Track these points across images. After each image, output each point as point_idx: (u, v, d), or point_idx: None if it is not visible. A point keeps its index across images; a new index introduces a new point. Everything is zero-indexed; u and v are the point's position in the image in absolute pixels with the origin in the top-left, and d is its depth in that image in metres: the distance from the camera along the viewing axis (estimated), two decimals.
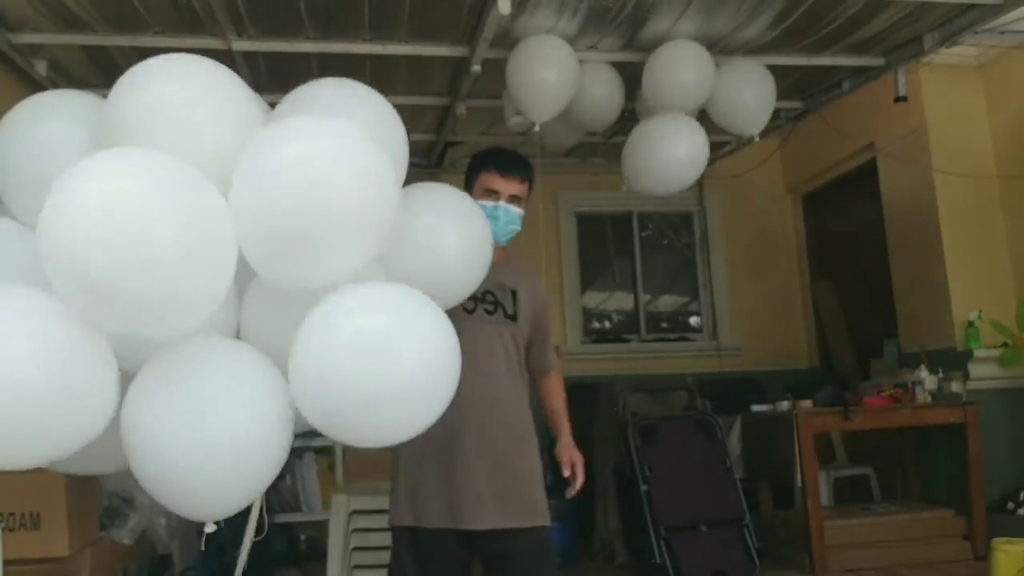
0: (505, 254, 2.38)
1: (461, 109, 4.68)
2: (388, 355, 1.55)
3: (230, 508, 1.60)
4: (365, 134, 1.63)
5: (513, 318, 2.35)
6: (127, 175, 1.41)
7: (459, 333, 2.04)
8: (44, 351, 1.39)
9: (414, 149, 6.53)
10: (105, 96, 1.88)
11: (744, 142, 5.46)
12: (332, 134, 1.60)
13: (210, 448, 1.49)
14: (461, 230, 1.97)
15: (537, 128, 4.15)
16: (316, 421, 1.59)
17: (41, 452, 1.44)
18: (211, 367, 1.56)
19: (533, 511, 2.26)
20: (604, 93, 4.26)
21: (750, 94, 4.28)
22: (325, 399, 1.55)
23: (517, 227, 2.35)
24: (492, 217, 2.26)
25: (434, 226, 1.92)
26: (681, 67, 4.10)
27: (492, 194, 2.32)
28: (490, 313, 2.31)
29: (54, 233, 1.36)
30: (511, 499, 2.21)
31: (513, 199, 2.33)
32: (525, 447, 2.33)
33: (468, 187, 2.38)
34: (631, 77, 4.27)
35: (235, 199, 1.54)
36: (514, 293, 2.36)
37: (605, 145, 5.53)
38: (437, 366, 1.61)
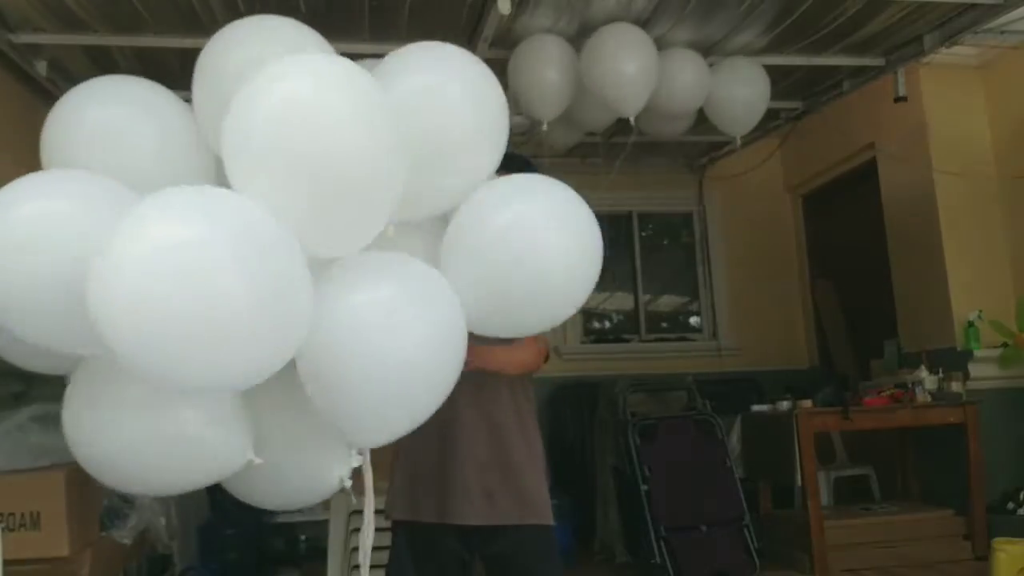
0: None
1: None
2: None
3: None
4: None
5: None
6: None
7: None
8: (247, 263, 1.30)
9: None
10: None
11: (744, 142, 5.46)
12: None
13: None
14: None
15: (545, 127, 4.15)
16: None
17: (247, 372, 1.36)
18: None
19: (528, 508, 2.22)
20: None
21: (743, 94, 4.29)
22: None
23: None
24: None
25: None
26: (678, 74, 4.10)
27: None
28: None
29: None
30: (503, 495, 2.18)
31: None
32: (521, 443, 2.28)
33: None
34: None
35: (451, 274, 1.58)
36: None
37: (605, 145, 5.53)
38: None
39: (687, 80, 4.16)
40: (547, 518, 2.26)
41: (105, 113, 1.67)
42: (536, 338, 2.30)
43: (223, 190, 1.40)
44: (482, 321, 1.67)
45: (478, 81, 1.75)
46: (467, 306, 1.61)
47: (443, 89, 1.69)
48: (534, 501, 2.24)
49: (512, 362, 2.22)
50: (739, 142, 4.56)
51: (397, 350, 1.48)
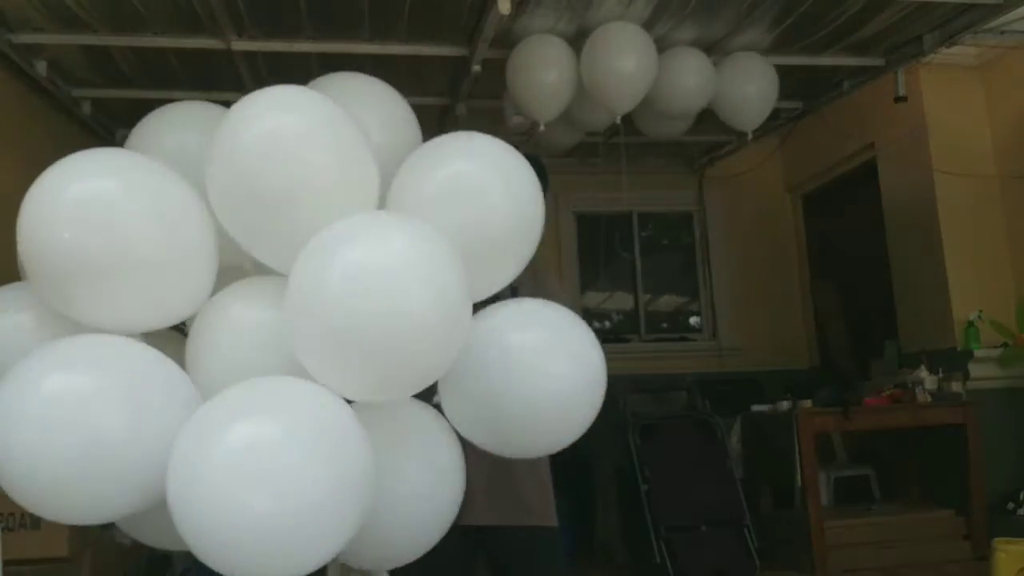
0: None
1: (461, 109, 4.68)
2: None
3: None
4: None
5: None
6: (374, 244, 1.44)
7: None
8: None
9: None
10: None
11: (744, 142, 5.46)
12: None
13: None
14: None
15: (542, 128, 4.15)
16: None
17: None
18: None
19: (529, 510, 2.22)
20: None
21: (751, 89, 4.29)
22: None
23: None
24: None
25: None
26: (683, 74, 4.10)
27: None
28: None
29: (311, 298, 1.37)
30: (504, 497, 2.17)
31: None
32: None
33: None
34: None
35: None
36: (514, 290, 2.35)
37: (605, 145, 5.53)
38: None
39: (690, 80, 4.15)
40: (550, 520, 2.25)
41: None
42: None
43: (295, 382, 1.41)
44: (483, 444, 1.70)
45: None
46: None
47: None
48: (536, 502, 2.25)
49: None
50: (751, 136, 4.55)
51: None
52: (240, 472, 1.27)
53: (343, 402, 1.41)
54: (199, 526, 1.28)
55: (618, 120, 4.19)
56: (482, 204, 1.59)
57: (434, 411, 1.65)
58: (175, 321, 1.64)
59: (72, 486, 1.37)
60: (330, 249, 1.38)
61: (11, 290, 1.64)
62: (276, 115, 1.53)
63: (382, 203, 1.63)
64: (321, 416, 1.37)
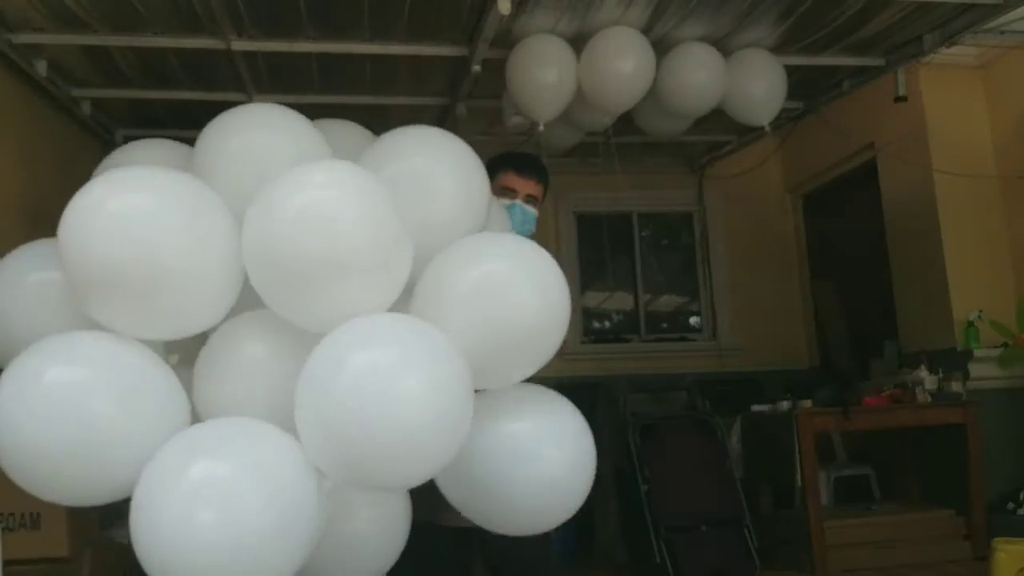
0: None
1: (461, 109, 4.68)
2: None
3: None
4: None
5: None
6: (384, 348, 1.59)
7: None
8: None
9: None
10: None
11: (746, 141, 5.47)
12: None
13: None
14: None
15: (542, 128, 4.15)
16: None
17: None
18: None
19: None
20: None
21: (761, 85, 4.28)
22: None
23: (532, 227, 2.38)
24: (506, 214, 2.29)
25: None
26: (694, 70, 4.10)
27: (509, 192, 2.35)
28: None
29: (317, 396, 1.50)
30: None
31: (529, 199, 2.37)
32: None
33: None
34: None
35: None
36: None
37: (605, 145, 5.53)
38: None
39: (701, 76, 4.12)
40: None
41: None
42: None
43: (254, 426, 1.57)
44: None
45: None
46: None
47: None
48: None
49: None
50: (768, 128, 4.53)
51: None
52: (196, 503, 1.43)
53: (293, 442, 1.52)
54: (158, 550, 1.45)
55: (609, 128, 4.18)
56: (509, 303, 1.71)
57: None
58: (197, 332, 1.73)
59: (66, 470, 1.53)
60: (342, 350, 1.52)
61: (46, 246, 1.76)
62: (316, 190, 1.61)
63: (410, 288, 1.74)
64: (269, 455, 1.51)
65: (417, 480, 1.61)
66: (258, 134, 1.87)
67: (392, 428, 1.46)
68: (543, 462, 1.75)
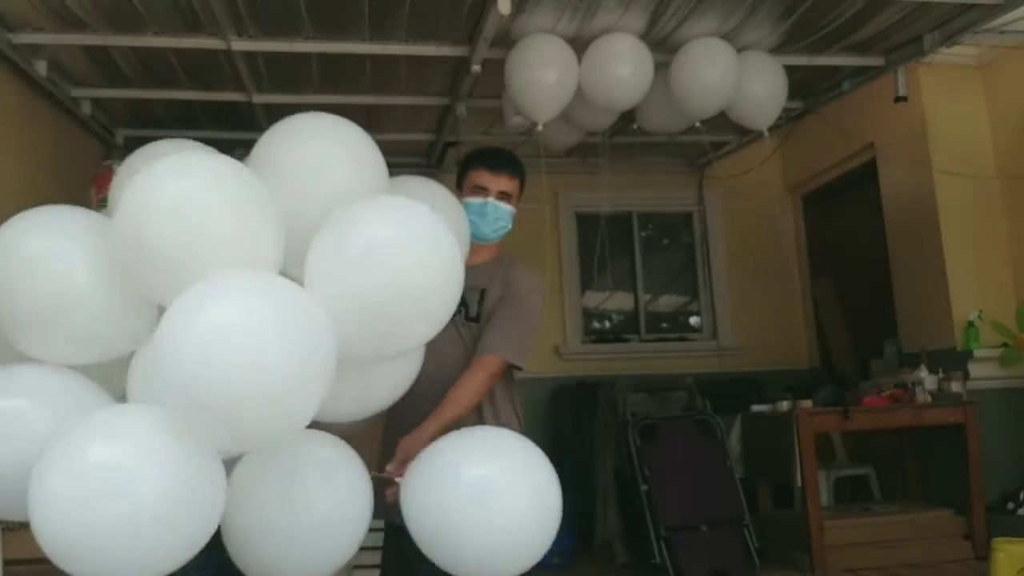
0: (495, 251, 2.34)
1: (461, 109, 4.68)
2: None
3: None
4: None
5: (475, 319, 2.25)
6: (237, 301, 1.50)
7: None
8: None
9: (414, 149, 6.63)
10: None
11: (746, 142, 5.46)
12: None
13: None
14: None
15: (540, 127, 4.15)
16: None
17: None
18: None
19: None
20: None
21: (761, 87, 4.29)
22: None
23: (507, 224, 2.30)
24: (480, 214, 2.23)
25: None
26: (707, 66, 4.10)
27: (480, 191, 2.28)
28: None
29: (172, 354, 1.46)
30: None
31: (503, 196, 2.29)
32: None
33: (459, 189, 2.34)
34: None
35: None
36: (482, 293, 2.28)
37: (605, 145, 5.53)
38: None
39: (715, 73, 4.12)
40: None
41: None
42: (480, 362, 2.21)
43: (130, 409, 1.61)
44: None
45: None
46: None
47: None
48: None
49: (459, 411, 2.14)
50: (767, 134, 4.54)
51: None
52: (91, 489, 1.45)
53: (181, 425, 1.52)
54: (55, 532, 1.47)
55: (606, 131, 4.17)
56: (396, 269, 1.66)
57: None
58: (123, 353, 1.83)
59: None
60: (190, 305, 1.50)
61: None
62: (174, 179, 1.61)
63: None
64: (151, 432, 1.52)
65: (274, 437, 1.58)
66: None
67: (243, 379, 1.45)
68: (508, 511, 1.72)
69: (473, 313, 2.26)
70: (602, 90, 4.05)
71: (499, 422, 2.26)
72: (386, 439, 2.22)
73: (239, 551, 1.72)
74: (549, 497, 1.77)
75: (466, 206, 2.23)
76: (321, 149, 1.85)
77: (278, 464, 1.68)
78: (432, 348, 2.05)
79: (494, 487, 1.73)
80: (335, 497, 1.72)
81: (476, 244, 2.21)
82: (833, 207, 6.29)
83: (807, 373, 6.23)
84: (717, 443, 4.72)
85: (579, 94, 4.13)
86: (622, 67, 4.01)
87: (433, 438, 1.92)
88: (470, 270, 2.03)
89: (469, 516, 1.69)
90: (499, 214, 2.27)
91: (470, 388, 2.16)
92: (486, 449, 1.81)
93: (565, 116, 4.32)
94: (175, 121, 4.86)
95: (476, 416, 2.23)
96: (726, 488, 4.58)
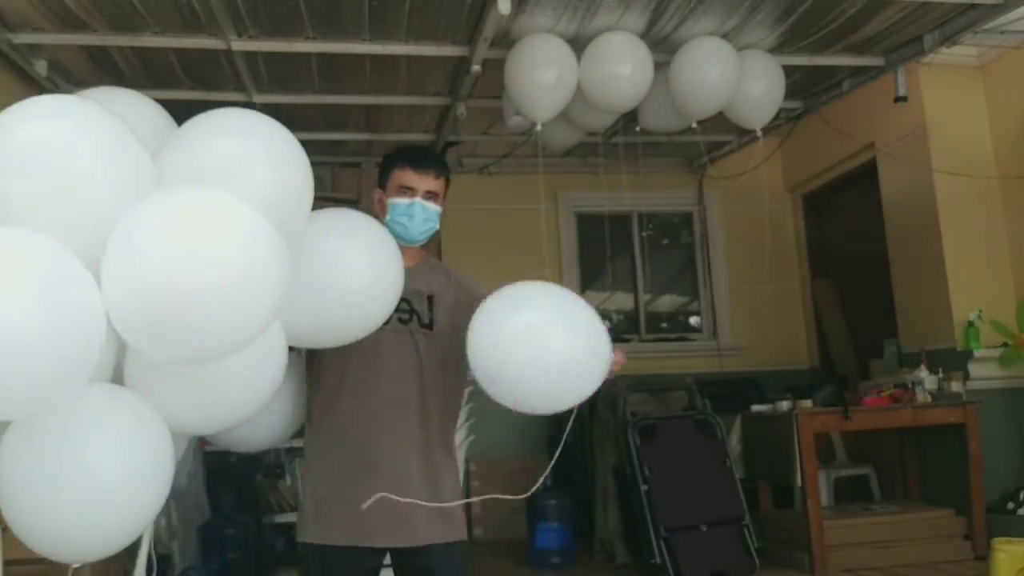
0: (422, 254, 2.29)
1: (461, 109, 4.68)
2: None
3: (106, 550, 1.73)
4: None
5: (429, 326, 2.18)
6: None
7: (372, 344, 2.02)
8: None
9: None
10: None
11: (744, 142, 5.47)
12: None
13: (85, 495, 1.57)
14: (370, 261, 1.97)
15: (539, 127, 4.15)
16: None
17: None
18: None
19: (451, 525, 2.15)
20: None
21: (759, 87, 4.29)
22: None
23: (435, 225, 2.21)
24: (407, 215, 2.15)
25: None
26: (706, 65, 4.10)
27: (407, 191, 2.17)
28: (404, 323, 2.15)
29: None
30: (428, 514, 2.07)
31: (430, 195, 2.19)
32: (447, 460, 2.20)
33: (380, 189, 2.24)
34: None
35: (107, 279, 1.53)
36: (431, 299, 2.22)
37: (605, 145, 5.53)
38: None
39: (713, 72, 4.13)
40: (464, 533, 2.20)
41: None
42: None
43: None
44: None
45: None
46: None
47: None
48: (456, 518, 2.18)
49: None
50: (760, 134, 4.54)
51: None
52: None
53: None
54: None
55: (605, 131, 4.15)
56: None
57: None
58: None
59: None
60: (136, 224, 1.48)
61: None
62: (38, 123, 1.55)
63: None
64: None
65: (231, 345, 1.55)
66: None
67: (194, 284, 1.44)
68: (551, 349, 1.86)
69: (426, 320, 2.19)
70: (601, 89, 4.06)
71: (445, 437, 2.23)
72: (333, 455, 2.11)
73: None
74: (591, 338, 1.89)
75: (392, 207, 2.16)
76: (239, 147, 1.74)
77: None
78: (380, 358, 2.04)
79: (539, 329, 1.88)
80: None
81: (402, 246, 2.11)
82: (833, 207, 6.29)
83: (807, 373, 6.23)
84: (717, 443, 4.72)
85: (580, 94, 4.14)
86: (621, 66, 4.01)
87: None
88: (410, 273, 2.06)
89: (519, 350, 1.83)
90: (427, 215, 2.18)
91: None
92: (533, 297, 1.95)
93: (567, 117, 4.32)
94: (175, 121, 4.85)
95: (438, 432, 2.19)
96: (726, 488, 4.58)
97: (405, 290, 2.06)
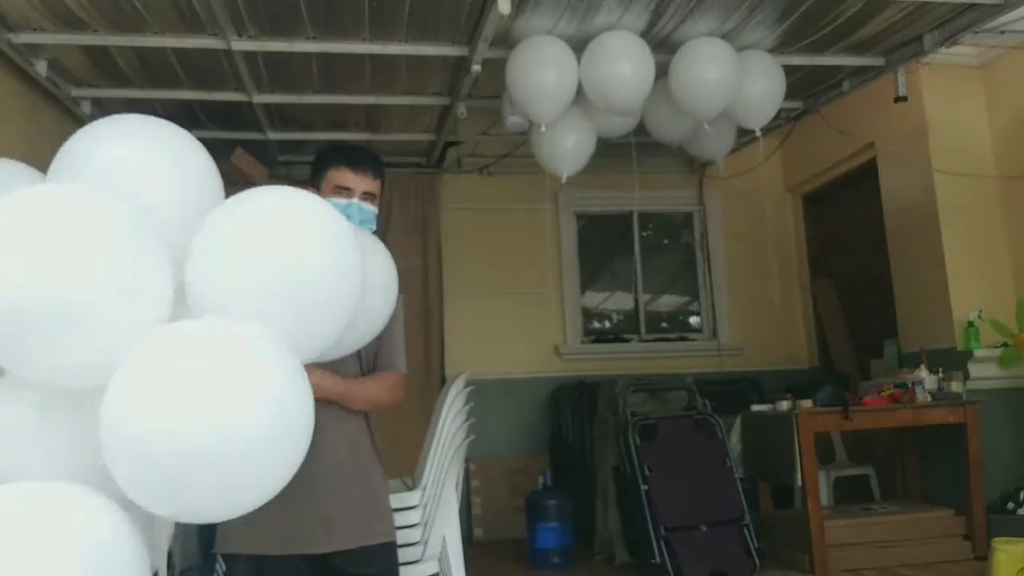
0: None
1: (461, 109, 4.68)
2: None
3: None
4: None
5: None
6: None
7: None
8: None
9: (414, 149, 6.61)
10: None
11: (744, 142, 5.46)
12: None
13: None
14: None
15: (543, 129, 4.15)
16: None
17: None
18: None
19: (381, 527, 2.15)
20: None
21: (759, 87, 4.29)
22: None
23: (373, 226, 2.15)
24: (344, 216, 2.03)
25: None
26: (705, 65, 4.10)
27: (343, 191, 2.12)
28: None
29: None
30: (356, 520, 2.08)
31: (367, 196, 2.15)
32: (370, 468, 2.18)
33: (314, 187, 2.15)
34: None
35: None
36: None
37: (605, 145, 5.53)
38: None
39: (713, 74, 4.12)
40: (394, 534, 2.19)
41: None
42: (389, 375, 2.18)
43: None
44: None
45: None
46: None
47: None
48: (387, 519, 2.18)
49: (357, 396, 2.09)
50: (759, 134, 4.55)
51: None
52: None
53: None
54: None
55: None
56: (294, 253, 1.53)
57: None
58: None
59: None
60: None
61: None
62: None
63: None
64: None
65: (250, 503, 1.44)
66: None
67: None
68: None
69: None
70: (603, 89, 4.05)
71: (374, 440, 2.20)
72: None
73: None
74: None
75: None
76: (138, 150, 1.63)
77: None
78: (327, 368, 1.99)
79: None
80: None
81: None
82: (833, 207, 6.29)
83: (807, 373, 6.23)
84: (717, 443, 4.72)
85: (585, 96, 4.14)
86: (622, 65, 4.00)
87: (327, 392, 1.96)
88: None
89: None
90: (365, 216, 2.13)
91: (377, 390, 2.14)
92: None
93: (582, 123, 4.35)
94: (175, 121, 4.85)
95: (366, 435, 2.17)
96: (726, 488, 4.58)
97: None
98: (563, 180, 4.44)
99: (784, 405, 4.77)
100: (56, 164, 1.60)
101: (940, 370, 4.75)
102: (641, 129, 4.83)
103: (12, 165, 1.72)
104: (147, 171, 1.62)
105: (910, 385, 4.68)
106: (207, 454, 1.29)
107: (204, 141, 1.82)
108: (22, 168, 1.72)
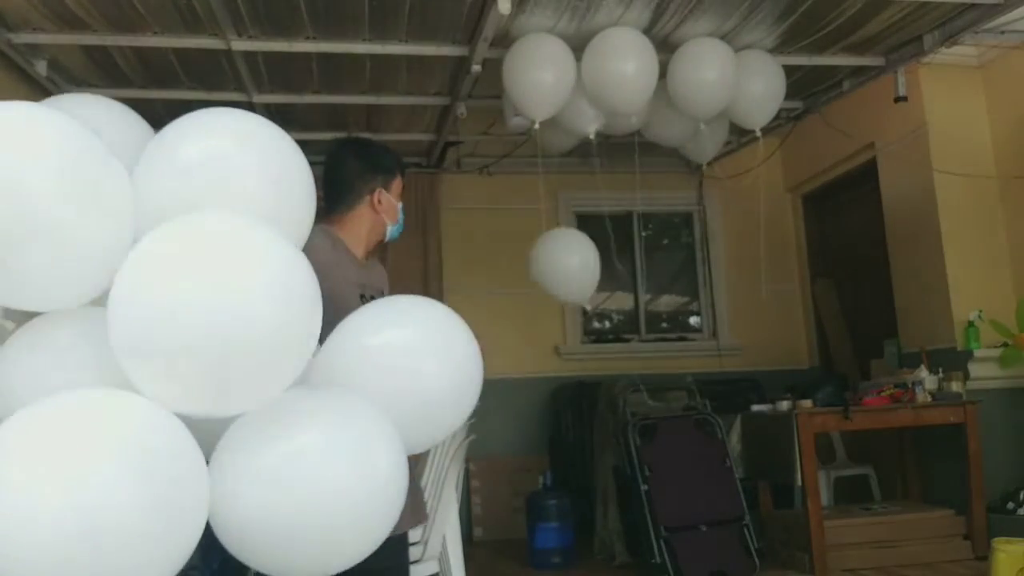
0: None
1: (461, 109, 4.68)
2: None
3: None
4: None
5: None
6: None
7: None
8: None
9: (414, 149, 6.61)
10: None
11: (744, 142, 5.47)
12: None
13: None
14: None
15: (536, 126, 4.15)
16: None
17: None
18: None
19: (420, 513, 2.24)
20: None
21: (759, 87, 4.28)
22: None
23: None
24: (402, 220, 2.32)
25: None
26: (704, 66, 4.09)
27: (400, 198, 2.33)
28: None
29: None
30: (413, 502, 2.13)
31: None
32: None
33: (384, 188, 2.26)
34: None
35: None
36: (382, 294, 2.31)
37: (605, 145, 5.53)
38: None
39: (711, 74, 4.12)
40: (407, 527, 2.22)
41: None
42: None
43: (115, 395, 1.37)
44: None
45: None
46: None
47: None
48: (406, 511, 2.21)
49: None
50: (759, 134, 4.54)
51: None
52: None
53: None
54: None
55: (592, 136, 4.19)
56: (417, 374, 1.61)
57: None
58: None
59: None
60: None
61: None
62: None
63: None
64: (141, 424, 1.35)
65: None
66: None
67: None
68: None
69: None
70: (604, 88, 4.04)
71: None
72: None
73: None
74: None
75: (400, 212, 2.30)
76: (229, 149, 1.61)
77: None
78: None
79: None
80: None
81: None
82: (833, 207, 6.29)
83: (807, 373, 6.23)
84: (717, 443, 4.72)
85: (584, 95, 4.13)
86: (624, 63, 3.97)
87: None
88: (365, 271, 2.19)
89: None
90: (402, 217, 2.35)
91: None
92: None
93: (568, 120, 4.32)
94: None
95: None
96: (726, 488, 4.57)
97: (371, 286, 2.19)
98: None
99: (784, 405, 4.77)
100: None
101: (940, 370, 4.75)
102: (649, 138, 4.84)
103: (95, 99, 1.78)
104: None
105: (910, 385, 4.68)
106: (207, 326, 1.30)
107: None
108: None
